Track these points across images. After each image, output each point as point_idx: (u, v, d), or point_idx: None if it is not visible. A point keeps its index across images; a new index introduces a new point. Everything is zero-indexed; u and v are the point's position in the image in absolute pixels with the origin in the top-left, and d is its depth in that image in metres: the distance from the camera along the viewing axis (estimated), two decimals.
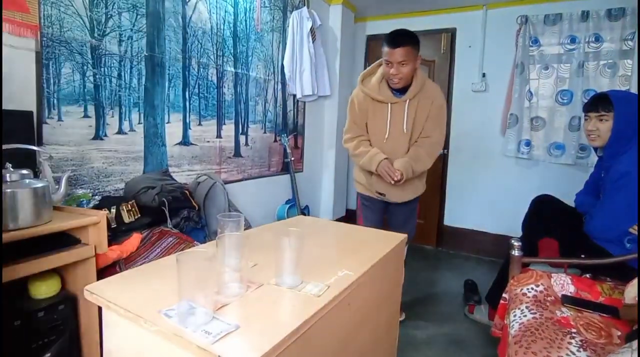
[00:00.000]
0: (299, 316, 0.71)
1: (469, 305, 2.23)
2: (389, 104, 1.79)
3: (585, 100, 2.73)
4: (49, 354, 1.08)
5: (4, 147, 1.02)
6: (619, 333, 1.17)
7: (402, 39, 1.66)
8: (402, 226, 1.99)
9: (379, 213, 2.05)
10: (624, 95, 1.63)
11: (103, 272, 1.31)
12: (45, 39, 1.39)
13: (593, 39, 2.70)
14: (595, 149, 1.77)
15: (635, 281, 1.22)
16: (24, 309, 1.06)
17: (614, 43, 2.65)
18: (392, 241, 1.21)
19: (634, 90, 2.47)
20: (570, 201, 1.93)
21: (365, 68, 3.57)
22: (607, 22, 2.65)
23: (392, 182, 1.73)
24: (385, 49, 1.69)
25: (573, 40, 2.76)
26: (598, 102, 1.61)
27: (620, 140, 1.58)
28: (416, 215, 2.08)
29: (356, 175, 2.07)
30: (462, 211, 3.31)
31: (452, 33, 3.20)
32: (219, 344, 0.61)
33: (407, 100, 1.77)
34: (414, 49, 1.68)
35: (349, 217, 3.73)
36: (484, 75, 3.09)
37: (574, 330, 1.17)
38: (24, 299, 1.10)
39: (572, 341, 1.11)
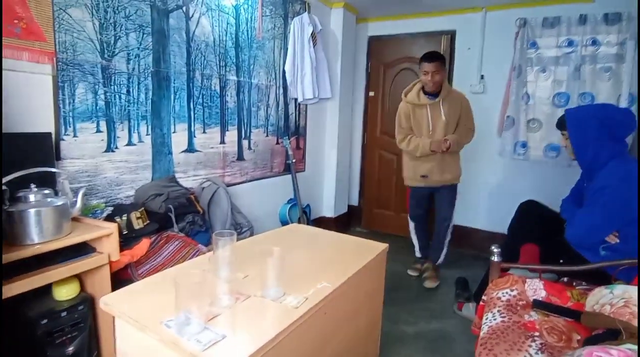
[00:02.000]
0: (277, 326, 0.85)
1: (458, 302, 2.35)
2: (427, 106, 2.47)
3: (581, 103, 2.80)
4: (71, 348, 1.25)
5: (28, 171, 1.17)
6: (579, 337, 1.28)
7: (434, 56, 2.41)
8: (446, 209, 2.69)
9: (421, 202, 2.74)
10: (576, 114, 1.71)
11: (117, 274, 1.48)
12: (60, 63, 1.52)
13: (590, 43, 2.73)
14: None
15: (597, 290, 1.33)
16: (49, 309, 1.23)
17: (610, 47, 2.68)
18: (373, 251, 1.34)
19: (624, 95, 2.51)
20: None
21: (367, 68, 3.70)
22: (604, 26, 2.68)
23: (445, 149, 2.41)
24: (424, 63, 2.40)
25: (570, 43, 2.79)
26: (561, 121, 1.76)
27: (582, 153, 1.67)
28: (455, 200, 2.71)
29: (404, 171, 2.73)
30: (459, 209, 3.39)
31: (451, 35, 3.24)
32: (208, 352, 0.75)
33: (440, 100, 2.46)
34: (443, 63, 2.43)
35: (351, 213, 3.87)
36: (482, 77, 3.14)
37: (537, 333, 1.29)
38: (49, 300, 1.26)
39: (533, 344, 1.23)
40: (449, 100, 2.47)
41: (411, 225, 2.85)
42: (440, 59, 2.42)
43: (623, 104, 2.59)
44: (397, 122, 2.61)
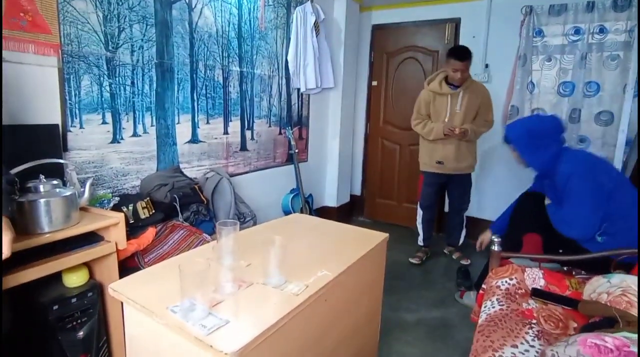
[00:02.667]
0: (278, 312, 0.88)
1: (460, 290, 2.39)
2: (448, 95, 2.55)
3: (587, 92, 2.78)
4: (81, 333, 1.30)
5: (37, 163, 1.20)
6: (575, 325, 1.31)
7: (466, 54, 2.44)
8: (459, 198, 2.79)
9: (433, 189, 2.77)
10: (513, 129, 1.89)
11: (124, 262, 1.52)
12: (65, 55, 1.54)
13: (597, 30, 2.69)
14: None
15: (594, 279, 1.34)
16: (60, 295, 1.27)
17: (618, 34, 2.64)
18: (373, 240, 1.36)
19: (631, 84, 2.48)
20: None
21: (371, 57, 3.68)
22: (612, 13, 2.63)
23: (457, 132, 2.48)
24: (455, 61, 2.43)
25: (577, 31, 2.75)
26: (505, 138, 1.95)
27: (531, 157, 1.81)
28: (470, 189, 2.80)
29: (420, 157, 2.78)
30: None
31: (456, 23, 3.21)
32: (212, 336, 0.78)
33: (461, 91, 2.54)
34: (470, 61, 2.49)
35: (354, 203, 3.89)
36: (487, 66, 3.12)
37: (534, 321, 1.32)
38: (60, 287, 1.31)
39: (530, 331, 1.25)
40: (470, 91, 2.55)
41: (419, 213, 2.88)
42: (470, 57, 2.47)
43: (629, 92, 2.55)
44: (416, 108, 2.71)
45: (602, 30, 2.68)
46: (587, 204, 1.64)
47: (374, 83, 3.70)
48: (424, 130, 2.64)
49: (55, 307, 1.24)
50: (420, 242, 2.93)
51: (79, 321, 1.30)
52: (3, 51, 1.32)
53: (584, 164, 1.70)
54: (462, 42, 3.20)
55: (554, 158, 1.76)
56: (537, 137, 1.79)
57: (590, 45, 2.72)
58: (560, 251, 1.78)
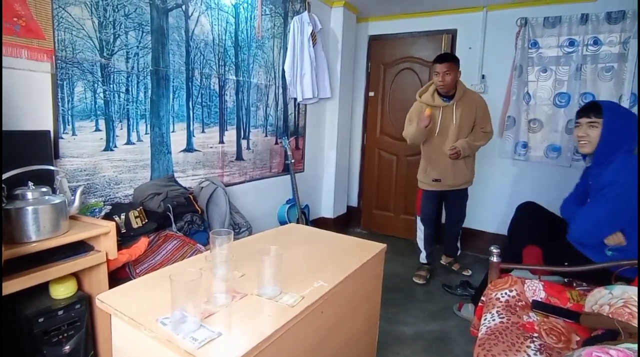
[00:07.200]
0: (273, 324, 0.85)
1: (459, 302, 2.35)
2: (441, 108, 2.46)
3: (582, 103, 2.79)
4: (68, 347, 1.25)
5: (26, 169, 1.17)
6: (578, 338, 1.28)
7: (446, 57, 2.39)
8: (457, 211, 2.74)
9: (433, 203, 2.69)
10: (615, 106, 1.68)
11: (115, 273, 1.48)
12: (59, 61, 1.52)
13: (591, 42, 2.72)
14: (584, 157, 1.81)
15: (596, 290, 1.32)
16: (46, 308, 1.22)
17: (612, 46, 2.67)
18: (370, 251, 1.33)
19: (627, 95, 2.49)
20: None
21: (367, 68, 3.69)
22: (606, 26, 2.66)
23: (449, 153, 2.43)
24: (436, 64, 2.38)
25: (572, 43, 2.78)
26: (590, 109, 1.66)
27: (607, 148, 1.62)
28: (466, 202, 2.75)
29: (419, 177, 2.71)
30: None
31: (452, 34, 3.24)
32: (203, 350, 0.74)
33: (454, 104, 2.45)
34: (455, 64, 2.39)
35: (350, 214, 3.86)
36: (483, 77, 3.14)
37: (535, 334, 1.28)
38: (46, 299, 1.26)
39: (532, 344, 1.22)
40: (464, 102, 2.45)
41: (420, 229, 2.78)
42: (451, 60, 2.38)
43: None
44: (408, 118, 2.59)
45: (596, 42, 2.71)
46: (606, 209, 1.57)
47: (371, 93, 3.71)
48: (407, 130, 2.54)
49: (41, 319, 1.19)
50: (422, 259, 2.80)
51: (66, 335, 1.25)
52: None
53: (631, 177, 1.55)
54: (458, 53, 3.23)
55: (614, 154, 1.61)
56: (631, 135, 1.60)
57: (585, 57, 2.75)
58: (566, 263, 1.74)
